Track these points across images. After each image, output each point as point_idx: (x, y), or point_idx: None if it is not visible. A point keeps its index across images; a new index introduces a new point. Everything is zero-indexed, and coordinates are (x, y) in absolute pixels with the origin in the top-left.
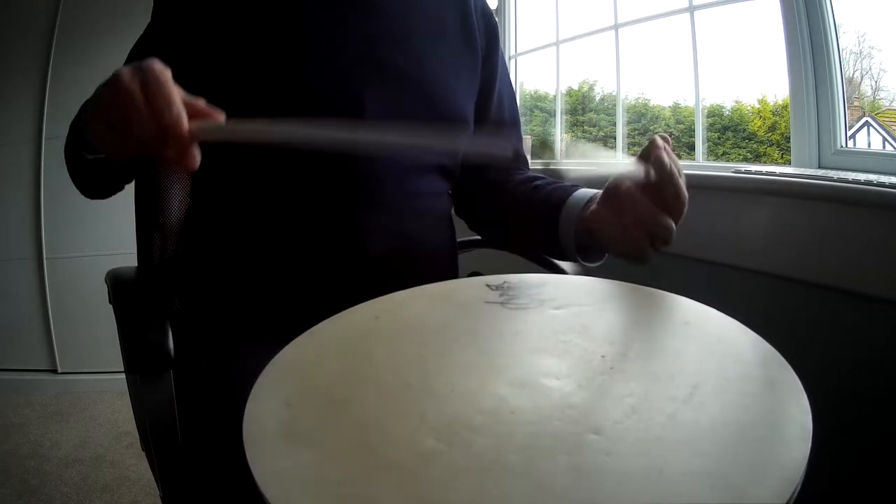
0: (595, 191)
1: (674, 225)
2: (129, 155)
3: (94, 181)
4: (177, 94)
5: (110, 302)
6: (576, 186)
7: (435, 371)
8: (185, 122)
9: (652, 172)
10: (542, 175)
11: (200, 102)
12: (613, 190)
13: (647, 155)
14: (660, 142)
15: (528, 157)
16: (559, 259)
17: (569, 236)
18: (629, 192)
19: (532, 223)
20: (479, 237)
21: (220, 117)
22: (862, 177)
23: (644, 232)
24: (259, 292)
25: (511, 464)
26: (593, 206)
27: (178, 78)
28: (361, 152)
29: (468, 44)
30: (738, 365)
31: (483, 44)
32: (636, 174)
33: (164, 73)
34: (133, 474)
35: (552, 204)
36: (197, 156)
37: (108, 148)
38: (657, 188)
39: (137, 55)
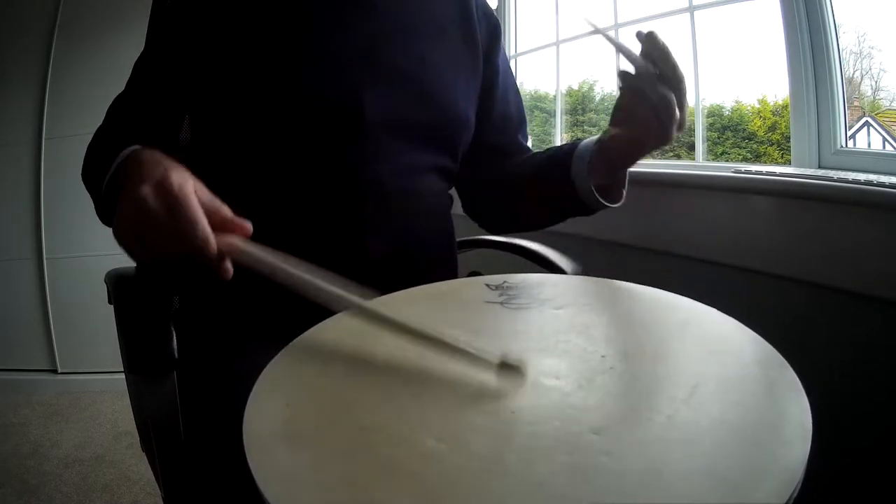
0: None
1: (674, 97)
2: (160, 259)
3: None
4: (201, 213)
5: (110, 302)
6: (579, 140)
7: (435, 371)
8: (212, 242)
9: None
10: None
11: (226, 211)
12: (618, 104)
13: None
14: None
15: None
16: (579, 212)
17: (584, 181)
18: (629, 81)
19: (545, 182)
20: (479, 237)
21: (248, 227)
22: (862, 177)
23: (650, 110)
24: (259, 292)
25: (511, 464)
26: (605, 133)
27: (180, 78)
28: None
29: (469, 43)
30: (738, 365)
31: (484, 43)
32: (634, 63)
33: (185, 189)
34: (133, 474)
35: (561, 155)
36: (229, 269)
37: (135, 255)
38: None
39: (145, 64)
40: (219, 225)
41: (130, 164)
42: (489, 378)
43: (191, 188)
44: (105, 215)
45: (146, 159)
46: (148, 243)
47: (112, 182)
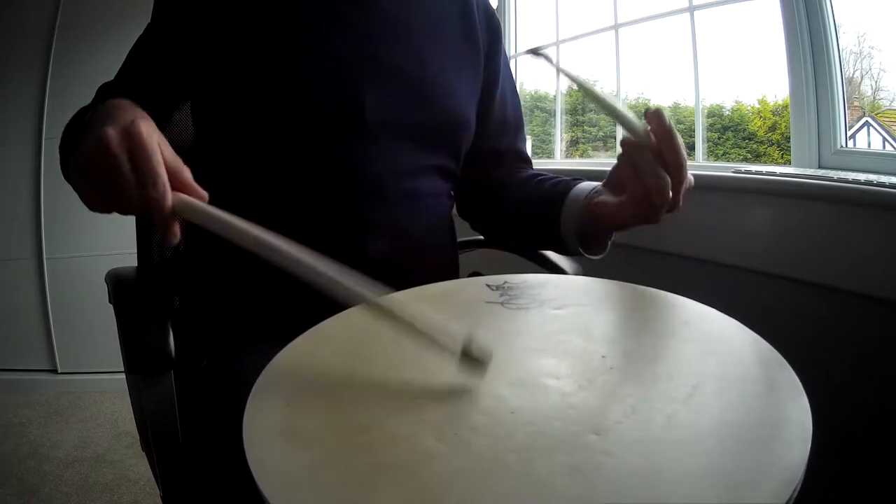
0: (596, 183)
1: (670, 181)
2: (110, 210)
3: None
4: (163, 167)
5: (110, 302)
6: (578, 180)
7: (435, 371)
8: (168, 198)
9: (651, 135)
10: (545, 172)
11: (187, 174)
12: (614, 168)
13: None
14: (660, 109)
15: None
16: (559, 252)
17: (570, 227)
18: (628, 154)
19: (533, 217)
20: (479, 237)
21: (204, 195)
22: (862, 177)
23: (643, 189)
24: (259, 292)
25: (511, 464)
26: (596, 193)
27: (179, 77)
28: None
29: (470, 43)
30: (738, 365)
31: (485, 43)
32: (636, 134)
33: (152, 139)
34: (133, 474)
35: (554, 196)
36: (177, 232)
37: (89, 201)
38: (657, 149)
39: (139, 55)
40: (177, 187)
41: (101, 110)
42: (489, 378)
43: (156, 140)
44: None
45: (118, 105)
46: (102, 188)
47: (84, 128)
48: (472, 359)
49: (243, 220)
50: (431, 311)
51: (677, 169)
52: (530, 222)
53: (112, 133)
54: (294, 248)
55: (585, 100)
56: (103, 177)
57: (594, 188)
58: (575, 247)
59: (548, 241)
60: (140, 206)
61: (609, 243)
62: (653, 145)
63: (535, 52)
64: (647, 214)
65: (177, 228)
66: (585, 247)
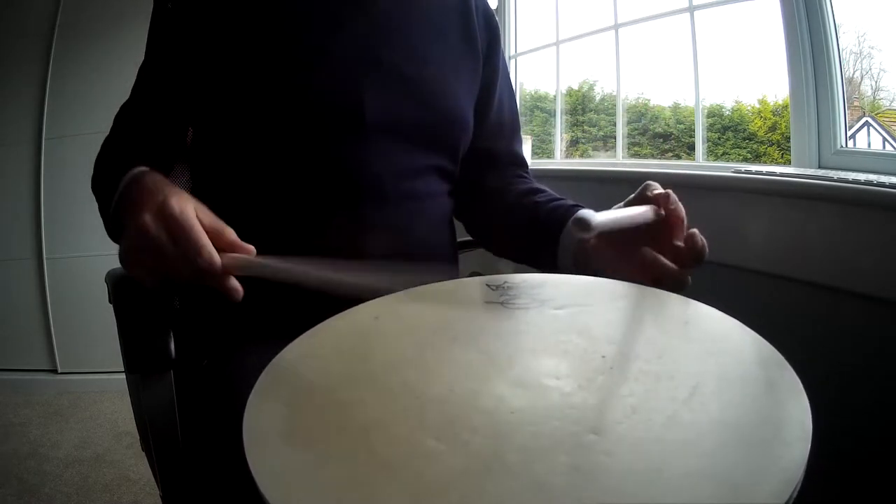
0: (595, 214)
1: (678, 271)
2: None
3: None
4: (204, 235)
5: (110, 302)
6: (577, 206)
7: (435, 371)
8: (217, 263)
9: (661, 212)
10: (542, 188)
11: (230, 233)
12: (620, 240)
13: (641, 197)
14: (654, 185)
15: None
16: (550, 271)
17: (566, 260)
18: (636, 249)
19: (529, 241)
20: None
21: (251, 249)
22: (862, 177)
23: (648, 276)
24: (259, 292)
25: (510, 464)
26: (594, 242)
27: (183, 85)
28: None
29: (469, 45)
30: (738, 365)
31: (484, 45)
32: (644, 217)
33: (186, 212)
34: (133, 474)
35: (551, 225)
36: (237, 287)
37: (148, 282)
38: (665, 233)
39: (148, 70)
40: (223, 247)
41: (132, 189)
42: (489, 378)
43: (192, 211)
44: (114, 233)
45: (147, 186)
46: (154, 270)
47: (118, 205)
48: None
49: (292, 261)
50: (431, 310)
51: (693, 259)
52: (526, 243)
53: (148, 218)
54: (351, 274)
55: None
56: (153, 261)
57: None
58: (569, 270)
59: (542, 263)
60: (193, 276)
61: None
62: (662, 226)
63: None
64: (636, 279)
65: (235, 284)
66: (580, 271)
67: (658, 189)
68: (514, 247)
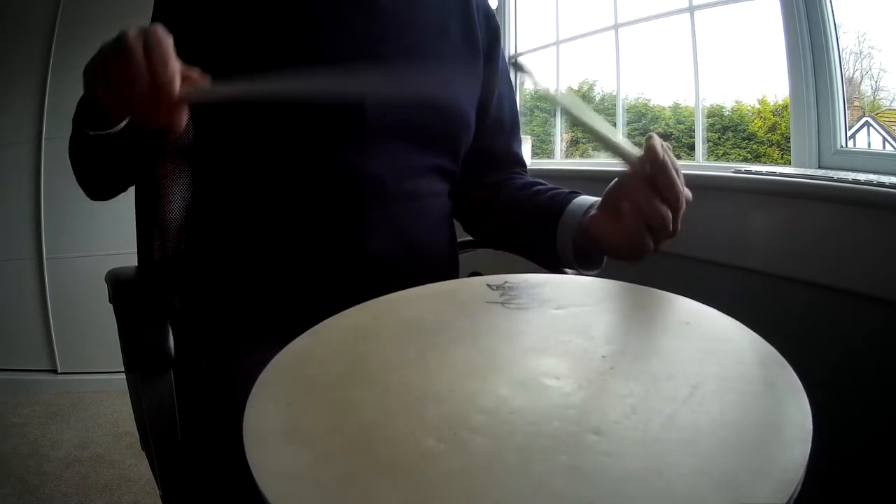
0: (595, 198)
1: (671, 215)
2: (122, 113)
3: (97, 171)
4: (174, 56)
5: (110, 302)
6: (575, 193)
7: (435, 371)
8: (177, 83)
9: (647, 166)
10: (540, 181)
11: (195, 71)
12: (612, 191)
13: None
14: (656, 138)
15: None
16: (552, 268)
17: (566, 244)
18: (626, 186)
19: (529, 230)
20: None
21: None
22: (862, 177)
23: (642, 222)
24: (259, 292)
25: (511, 464)
26: (593, 212)
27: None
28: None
29: (469, 44)
30: (738, 365)
31: (485, 44)
32: (632, 164)
33: (167, 37)
34: (133, 474)
35: (550, 211)
36: (184, 118)
37: (102, 101)
38: (653, 181)
39: None
40: (185, 80)
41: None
42: (489, 378)
43: (170, 40)
44: (82, 131)
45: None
46: (117, 79)
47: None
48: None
49: (243, 82)
50: (431, 310)
51: (674, 201)
52: (525, 234)
53: (130, 29)
54: (300, 78)
55: (573, 125)
56: (117, 65)
57: (592, 203)
58: (570, 261)
59: (543, 252)
60: (151, 94)
61: (605, 259)
62: (648, 175)
63: (517, 66)
64: (643, 245)
65: (184, 115)
66: (581, 261)
67: (655, 141)
68: (513, 237)
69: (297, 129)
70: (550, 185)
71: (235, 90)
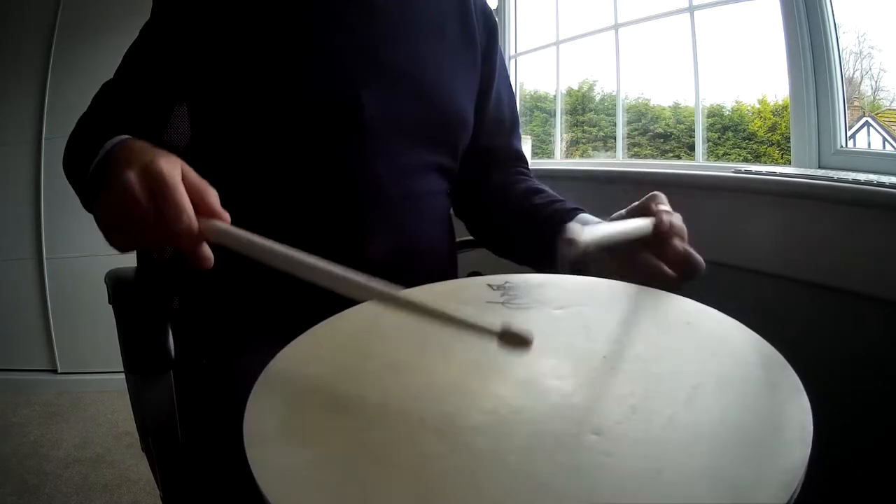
0: (595, 219)
1: (673, 274)
2: (137, 248)
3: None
4: (186, 198)
5: (110, 302)
6: (575, 210)
7: (435, 371)
8: (195, 227)
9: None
10: (542, 188)
11: (212, 197)
12: (618, 251)
13: (644, 207)
14: (660, 197)
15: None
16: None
17: (565, 263)
18: (633, 255)
19: (529, 246)
20: None
21: (226, 217)
22: (862, 177)
23: (646, 279)
24: (259, 292)
25: (511, 464)
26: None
27: (173, 73)
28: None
29: (468, 42)
30: (739, 365)
31: (483, 43)
32: (641, 231)
33: (173, 174)
34: (133, 474)
35: (549, 231)
36: (209, 255)
37: (117, 244)
38: (661, 244)
39: (138, 54)
40: (203, 210)
41: (118, 151)
42: (489, 378)
43: (178, 173)
44: (88, 203)
45: (135, 148)
46: (130, 230)
47: (97, 171)
48: (515, 337)
49: (270, 241)
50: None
51: (681, 268)
52: (526, 246)
53: (132, 176)
54: (324, 262)
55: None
56: (128, 221)
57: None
58: (569, 272)
59: (542, 264)
60: (169, 239)
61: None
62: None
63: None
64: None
65: (207, 253)
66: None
67: (663, 205)
68: (514, 249)
69: (295, 128)
70: (552, 196)
71: (256, 245)
